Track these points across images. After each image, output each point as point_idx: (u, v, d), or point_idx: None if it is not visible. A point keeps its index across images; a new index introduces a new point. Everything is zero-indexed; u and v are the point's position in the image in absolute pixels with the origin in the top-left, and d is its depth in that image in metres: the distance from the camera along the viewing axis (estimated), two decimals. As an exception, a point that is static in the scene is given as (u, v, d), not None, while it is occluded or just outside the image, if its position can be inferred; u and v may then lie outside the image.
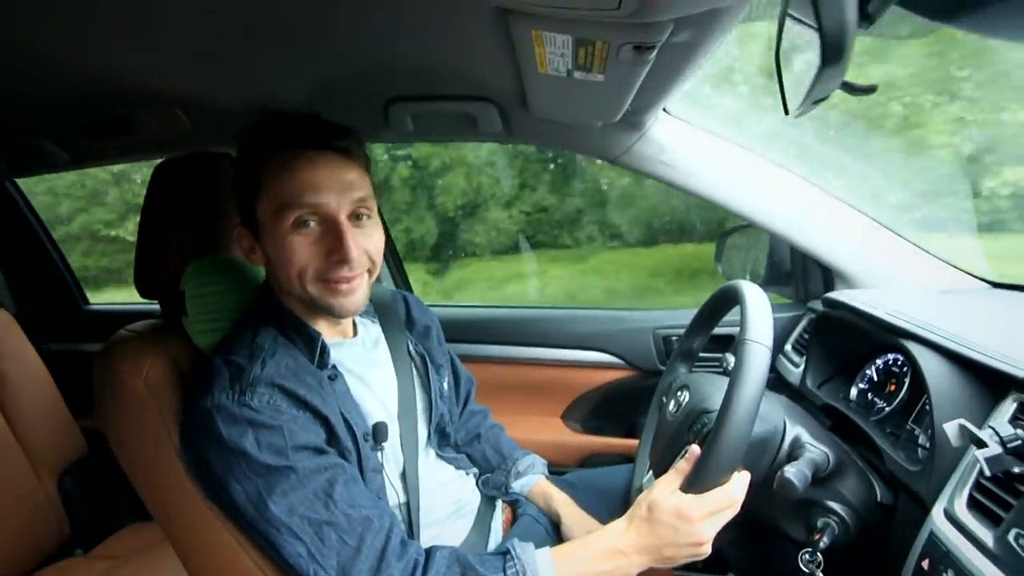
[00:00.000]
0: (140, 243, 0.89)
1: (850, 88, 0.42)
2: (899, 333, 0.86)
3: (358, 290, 0.79)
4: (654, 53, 0.68)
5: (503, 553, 0.74)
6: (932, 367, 0.76)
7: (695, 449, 0.74)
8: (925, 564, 0.62)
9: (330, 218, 0.75)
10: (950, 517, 0.63)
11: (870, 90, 0.43)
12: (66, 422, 1.44)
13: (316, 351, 0.81)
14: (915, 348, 0.80)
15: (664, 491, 0.74)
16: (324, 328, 0.85)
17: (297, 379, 0.75)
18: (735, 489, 0.72)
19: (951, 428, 0.63)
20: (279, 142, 0.76)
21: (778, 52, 0.53)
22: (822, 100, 0.45)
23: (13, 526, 1.26)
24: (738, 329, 1.34)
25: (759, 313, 0.73)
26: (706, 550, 0.73)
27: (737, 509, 0.72)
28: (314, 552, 0.68)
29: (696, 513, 0.70)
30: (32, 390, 1.39)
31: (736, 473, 0.72)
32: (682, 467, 0.75)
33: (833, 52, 0.36)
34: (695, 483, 0.72)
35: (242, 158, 0.80)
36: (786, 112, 0.54)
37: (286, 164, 0.75)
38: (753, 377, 0.68)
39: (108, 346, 0.82)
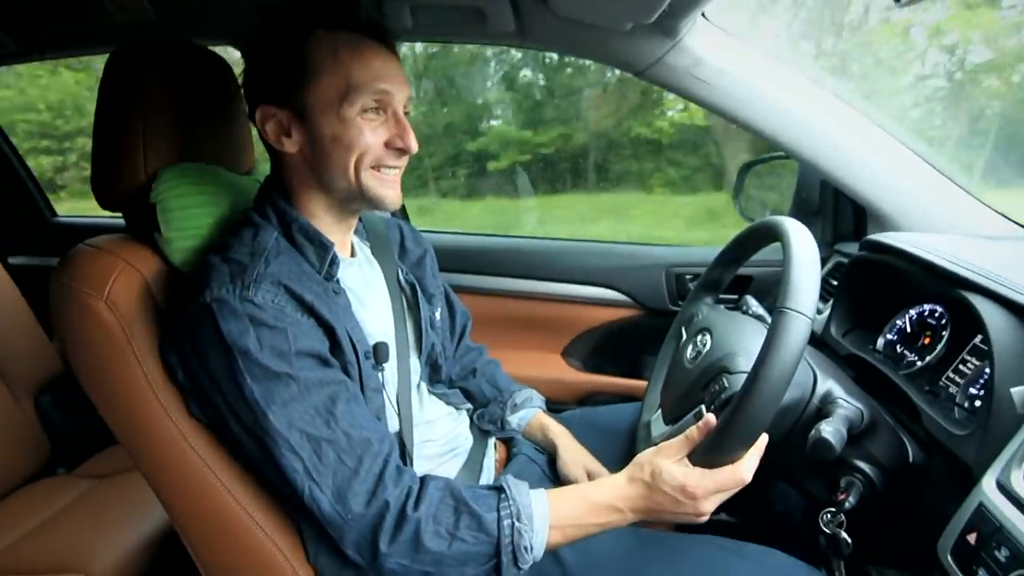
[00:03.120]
0: (96, 147, 0.78)
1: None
2: (959, 282, 0.77)
3: (399, 184, 0.79)
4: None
5: (497, 488, 0.71)
6: (997, 322, 0.68)
7: (710, 419, 0.68)
8: (971, 538, 0.57)
9: (392, 108, 0.75)
10: (1004, 489, 0.57)
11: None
12: (39, 339, 1.38)
13: (327, 261, 0.77)
14: (977, 300, 0.71)
15: (670, 458, 0.69)
16: (333, 236, 0.79)
17: (303, 284, 0.71)
18: (745, 470, 0.67)
19: (1019, 393, 0.56)
20: (338, 23, 0.73)
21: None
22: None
23: (-11, 445, 1.22)
24: (758, 269, 1.31)
25: (805, 273, 0.63)
26: (703, 520, 0.70)
27: (743, 486, 0.68)
28: (311, 469, 0.66)
29: (700, 490, 0.66)
30: (1, 306, 1.31)
31: (751, 449, 0.66)
32: (692, 435, 0.69)
33: None
34: (705, 458, 0.66)
35: (280, 37, 0.74)
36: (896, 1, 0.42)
37: (354, 48, 0.73)
38: (787, 355, 0.60)
39: (65, 261, 0.73)
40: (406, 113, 0.77)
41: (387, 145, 0.75)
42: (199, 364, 0.68)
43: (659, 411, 0.91)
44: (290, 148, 0.75)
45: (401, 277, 0.93)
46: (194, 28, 1.13)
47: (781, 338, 0.60)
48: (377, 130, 0.74)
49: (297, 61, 0.72)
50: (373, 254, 0.92)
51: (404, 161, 0.78)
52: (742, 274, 1.29)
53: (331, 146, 0.73)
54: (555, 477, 0.98)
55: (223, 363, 0.66)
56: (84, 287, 0.70)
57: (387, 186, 0.77)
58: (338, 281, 0.78)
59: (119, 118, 0.76)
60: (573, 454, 0.98)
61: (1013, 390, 0.56)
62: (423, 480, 0.70)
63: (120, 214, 0.81)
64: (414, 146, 0.75)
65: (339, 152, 0.73)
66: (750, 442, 0.64)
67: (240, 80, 0.79)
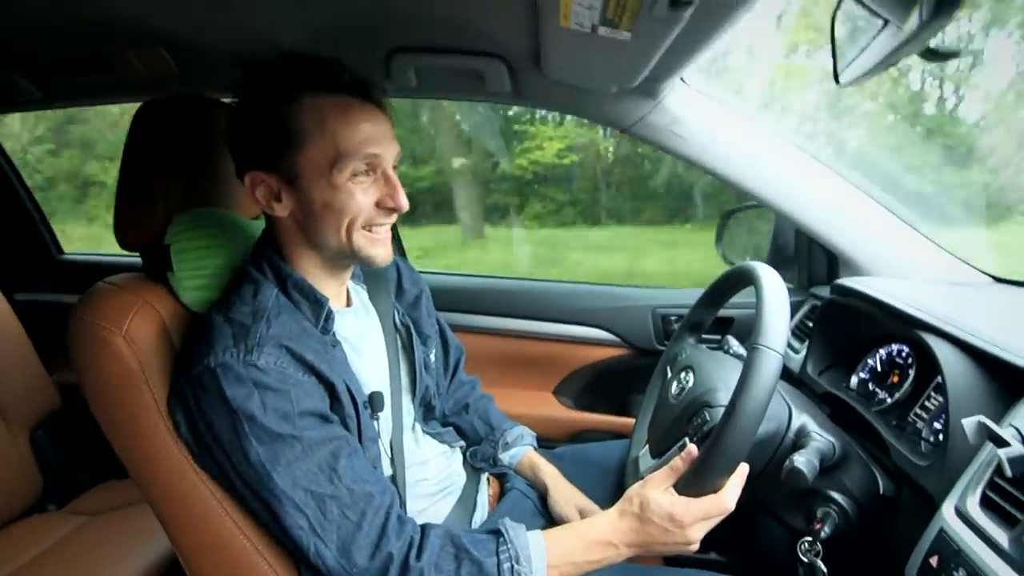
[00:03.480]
0: (121, 192, 0.83)
1: (932, 54, 0.37)
2: (916, 324, 0.83)
3: (389, 239, 0.80)
4: (690, 11, 0.63)
5: (495, 532, 0.73)
6: (950, 361, 0.74)
7: (692, 449, 0.73)
8: (934, 561, 0.61)
9: (383, 168, 0.76)
10: (961, 515, 0.62)
11: (952, 55, 0.38)
12: (38, 375, 1.39)
13: (322, 316, 0.78)
14: (932, 340, 0.78)
15: (657, 488, 0.72)
16: (327, 291, 0.81)
17: (303, 343, 0.73)
18: (728, 497, 0.71)
19: (970, 424, 0.61)
20: (323, 85, 0.73)
21: (835, 16, 0.48)
22: (890, 67, 0.41)
23: (-17, 480, 1.22)
24: (739, 311, 1.37)
25: (776, 314, 0.69)
26: (693, 548, 0.72)
27: (728, 513, 0.72)
28: (315, 526, 0.67)
29: (688, 518, 0.70)
30: (2, 341, 1.33)
31: (732, 477, 0.71)
32: (677, 465, 0.73)
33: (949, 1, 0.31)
34: (689, 486, 0.71)
35: (266, 102, 0.73)
36: (836, 80, 0.50)
37: (342, 113, 0.73)
38: (761, 389, 0.65)
39: (85, 298, 0.77)
40: (396, 167, 0.78)
41: (378, 205, 0.76)
42: (205, 427, 0.70)
43: (647, 446, 0.95)
44: (281, 212, 0.76)
45: (397, 319, 0.95)
46: (213, 80, 1.20)
47: (755, 372, 0.65)
48: (367, 191, 0.75)
49: (284, 128, 0.72)
50: (370, 296, 0.94)
51: (394, 218, 0.79)
52: (724, 315, 1.35)
53: (322, 211, 0.74)
54: (547, 512, 0.99)
55: (229, 427, 0.68)
56: (104, 322, 0.73)
57: (378, 245, 0.78)
58: (334, 334, 0.80)
59: (144, 169, 0.81)
60: (564, 493, 1.00)
61: (963, 421, 0.61)
62: (423, 529, 0.72)
63: (126, 253, 0.86)
64: (405, 205, 0.76)
65: (330, 217, 0.74)
66: (730, 470, 0.68)
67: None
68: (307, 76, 0.73)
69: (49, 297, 1.74)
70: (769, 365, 0.65)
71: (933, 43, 0.36)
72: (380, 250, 0.78)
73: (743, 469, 0.71)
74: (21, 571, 1.10)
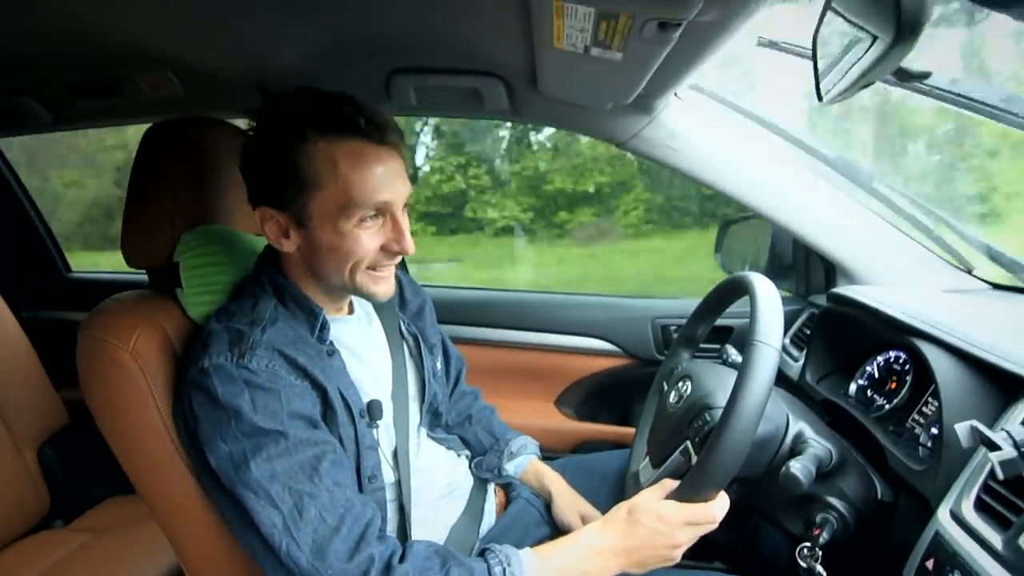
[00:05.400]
0: (128, 211, 0.85)
1: (903, 74, 0.39)
2: (910, 331, 0.85)
3: (392, 276, 0.81)
4: (679, 31, 0.65)
5: (481, 553, 0.73)
6: (943, 366, 0.75)
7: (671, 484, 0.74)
8: (930, 564, 0.62)
9: (390, 212, 0.76)
10: (956, 518, 0.63)
11: (924, 76, 0.40)
12: (46, 392, 1.40)
13: (316, 326, 0.79)
14: (925, 347, 0.79)
15: (647, 498, 0.73)
16: (324, 304, 0.83)
17: (297, 348, 0.74)
18: (717, 509, 0.71)
19: (962, 429, 0.62)
20: (337, 129, 0.72)
21: (816, 34, 0.50)
22: (866, 86, 0.43)
23: (-9, 496, 1.23)
24: (738, 321, 1.39)
25: (770, 313, 0.71)
26: (677, 556, 0.72)
27: (713, 528, 0.72)
28: (290, 524, 0.65)
29: (676, 517, 0.70)
30: (11, 358, 1.35)
31: (721, 494, 0.71)
32: (669, 484, 0.74)
33: (909, 28, 0.33)
34: (684, 491, 0.72)
35: (278, 142, 0.73)
36: (819, 98, 0.52)
37: (355, 159, 0.72)
38: (760, 382, 0.66)
39: (93, 316, 0.79)
40: (405, 206, 0.78)
41: (383, 249, 0.76)
42: (194, 423, 0.71)
43: (647, 459, 0.95)
44: (288, 248, 0.78)
45: (403, 328, 0.97)
46: (219, 102, 1.23)
47: (753, 367, 0.66)
48: (374, 236, 0.75)
49: (296, 169, 0.72)
50: (375, 307, 0.96)
51: (399, 259, 0.79)
52: (723, 325, 1.36)
53: (327, 253, 0.75)
54: (552, 520, 1.00)
55: (214, 422, 0.69)
56: (111, 338, 0.75)
57: (380, 283, 0.79)
58: (331, 343, 0.81)
59: (151, 190, 0.84)
60: (568, 500, 1.00)
61: (956, 426, 0.62)
62: (406, 545, 0.70)
63: (133, 270, 0.88)
64: (410, 249, 0.76)
65: (335, 259, 0.76)
66: (729, 474, 0.69)
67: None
68: (320, 117, 0.72)
69: (57, 315, 1.76)
70: (767, 360, 0.67)
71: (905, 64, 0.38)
72: (382, 287, 0.80)
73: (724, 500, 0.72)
74: (28, 587, 1.11)
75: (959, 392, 0.73)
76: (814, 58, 0.52)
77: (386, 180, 0.74)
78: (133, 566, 1.15)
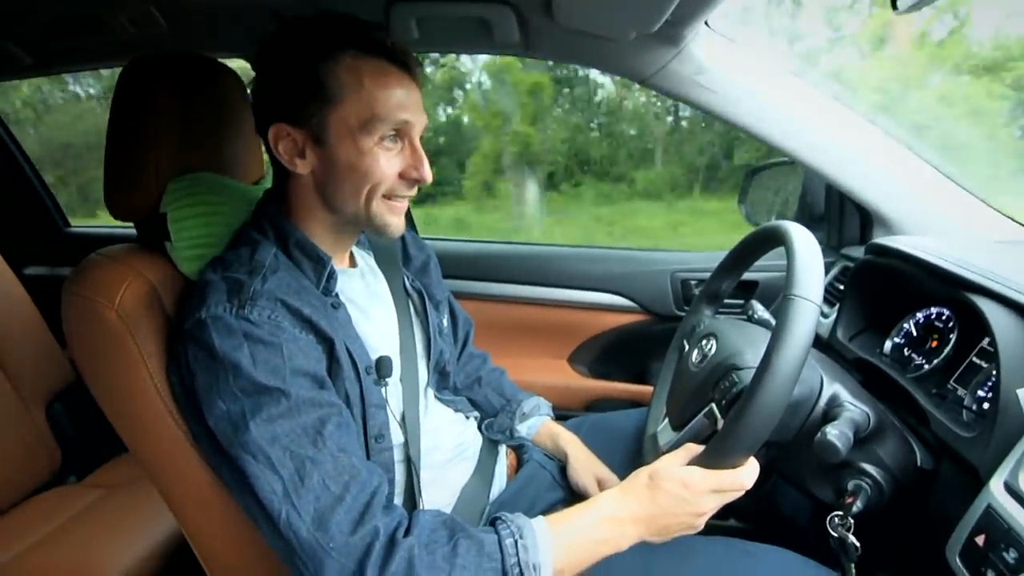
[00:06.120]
0: (109, 158, 0.79)
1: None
2: (962, 284, 0.77)
3: (404, 211, 0.79)
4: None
5: (491, 522, 0.68)
6: (1002, 324, 0.68)
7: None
8: (980, 540, 0.57)
9: (410, 137, 0.74)
10: (1012, 491, 0.57)
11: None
12: (51, 348, 1.39)
13: (324, 275, 0.76)
14: (982, 302, 0.71)
15: (670, 463, 0.69)
16: (330, 252, 0.78)
17: (301, 298, 0.70)
18: (747, 475, 0.66)
19: (1026, 395, 0.56)
20: (365, 47, 0.71)
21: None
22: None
23: (2, 454, 1.23)
24: (764, 275, 1.31)
25: (810, 264, 0.64)
26: (701, 524, 0.68)
27: (740, 495, 0.67)
28: (290, 491, 0.61)
29: (701, 484, 0.65)
30: (13, 315, 1.33)
31: (750, 460, 0.66)
32: (692, 448, 0.70)
33: None
34: (710, 456, 0.66)
35: (302, 57, 0.71)
36: (894, 7, 0.43)
37: (380, 76, 0.71)
38: (797, 340, 0.59)
39: (78, 271, 0.74)
40: (421, 138, 0.76)
41: (401, 175, 0.74)
42: (191, 379, 0.67)
43: (666, 420, 0.91)
44: (302, 169, 0.74)
45: (408, 284, 0.93)
46: (206, 41, 1.15)
47: (790, 324, 0.60)
48: (392, 160, 0.73)
49: (320, 83, 0.70)
50: (377, 262, 0.92)
51: (415, 190, 0.77)
52: (749, 279, 1.29)
53: (345, 172, 0.72)
54: (566, 483, 0.98)
55: (212, 378, 0.65)
56: (96, 296, 0.71)
57: (395, 214, 0.76)
58: (337, 295, 0.78)
59: (132, 131, 0.77)
60: (584, 462, 0.97)
61: (1020, 391, 0.56)
62: (413, 515, 0.66)
63: (125, 223, 0.83)
64: (428, 176, 0.75)
65: (353, 179, 0.73)
66: (760, 438, 0.63)
67: (250, 92, 0.78)
68: (349, 36, 0.71)
69: (58, 271, 1.74)
70: (806, 316, 0.60)
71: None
72: (395, 219, 0.77)
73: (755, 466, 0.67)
74: (43, 543, 1.12)
75: (1020, 352, 0.66)
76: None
77: (408, 101, 0.73)
78: (149, 521, 1.15)
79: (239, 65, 1.07)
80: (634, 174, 5.10)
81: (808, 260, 0.64)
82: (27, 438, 1.29)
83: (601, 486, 0.94)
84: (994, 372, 0.72)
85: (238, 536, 0.73)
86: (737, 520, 1.25)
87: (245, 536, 0.73)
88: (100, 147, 0.80)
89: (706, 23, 0.99)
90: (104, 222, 2.13)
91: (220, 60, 0.86)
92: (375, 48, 0.71)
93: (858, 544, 0.71)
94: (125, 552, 1.08)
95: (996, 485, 0.59)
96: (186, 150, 0.79)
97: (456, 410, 0.96)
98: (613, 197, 5.08)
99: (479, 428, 1.01)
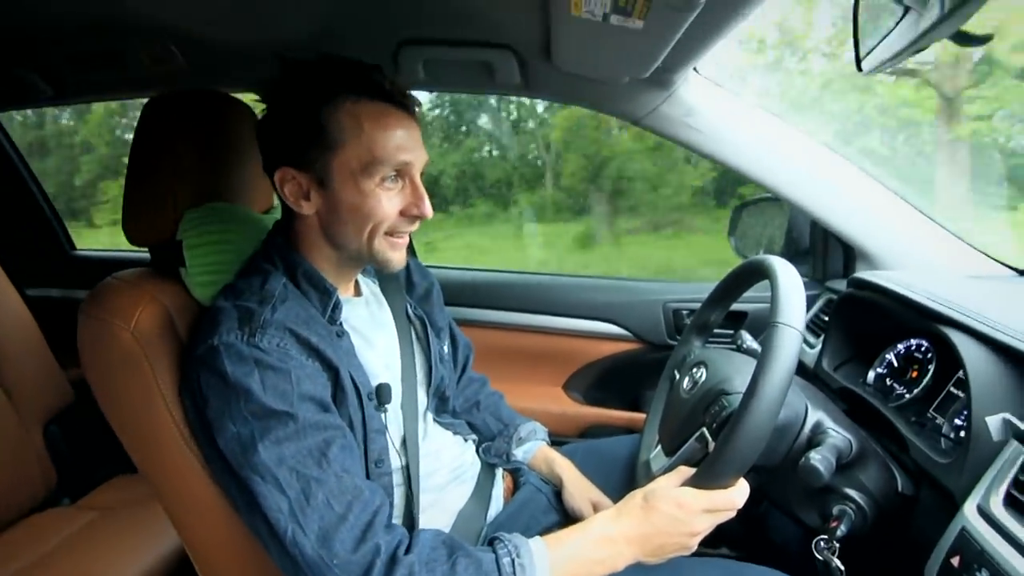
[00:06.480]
0: (129, 187, 0.83)
1: (964, 38, 0.35)
2: (937, 318, 0.81)
3: (406, 245, 0.82)
4: (705, -2, 0.61)
5: (489, 542, 0.71)
6: (972, 355, 0.72)
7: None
8: (955, 561, 0.60)
9: (410, 176, 0.77)
10: (984, 514, 0.60)
11: (985, 40, 0.37)
12: (52, 369, 1.40)
13: (329, 306, 0.78)
14: (954, 335, 0.76)
15: (664, 484, 0.71)
16: (335, 283, 0.81)
17: (308, 328, 0.73)
18: (738, 495, 0.69)
19: (994, 421, 0.60)
20: (363, 91, 0.74)
21: (858, 1, 0.46)
22: (912, 54, 0.39)
23: (-2, 473, 1.23)
24: (752, 306, 1.36)
25: (792, 294, 0.68)
26: (694, 544, 0.70)
27: (732, 515, 0.70)
28: (296, 510, 0.64)
29: (695, 504, 0.68)
30: (16, 336, 1.35)
31: (741, 481, 0.69)
32: (685, 471, 0.72)
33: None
34: (702, 477, 0.69)
35: (304, 102, 0.74)
36: (858, 67, 0.48)
37: (379, 119, 0.74)
38: (782, 364, 0.63)
39: (94, 294, 0.77)
40: (422, 175, 0.79)
41: (402, 213, 0.77)
42: (203, 403, 0.70)
43: (658, 447, 0.93)
44: (307, 211, 0.77)
45: (410, 311, 0.95)
46: (220, 77, 1.20)
47: (775, 349, 0.64)
48: (394, 199, 0.76)
49: (322, 128, 0.73)
50: (382, 290, 0.94)
51: (417, 225, 0.80)
52: (737, 310, 1.33)
53: (348, 213, 0.75)
54: (561, 507, 0.99)
55: (223, 402, 0.67)
56: (112, 318, 0.74)
57: (396, 249, 0.79)
58: (341, 324, 0.80)
59: (153, 165, 0.81)
60: (579, 487, 0.99)
61: (987, 419, 0.60)
62: (413, 535, 0.69)
63: (137, 248, 0.86)
64: (429, 212, 0.77)
65: (356, 220, 0.76)
66: (750, 459, 0.66)
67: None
68: (348, 80, 0.74)
69: (62, 293, 1.75)
70: (790, 342, 0.64)
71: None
72: (397, 254, 0.80)
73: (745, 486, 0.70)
74: (36, 565, 1.11)
75: (989, 382, 0.70)
76: (855, 24, 0.48)
77: (408, 142, 0.75)
78: (141, 544, 1.15)
79: (250, 97, 1.13)
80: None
81: (790, 290, 0.69)
82: (24, 459, 1.29)
83: (596, 510, 0.95)
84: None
85: (241, 555, 0.75)
86: (729, 549, 1.26)
87: (248, 555, 0.74)
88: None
89: (695, 69, 1.05)
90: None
91: (232, 95, 0.91)
92: (374, 91, 0.74)
93: (842, 567, 0.74)
94: (118, 574, 1.08)
95: (970, 509, 0.62)
96: (202, 181, 0.83)
97: (455, 433, 0.98)
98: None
99: (477, 451, 1.03)
